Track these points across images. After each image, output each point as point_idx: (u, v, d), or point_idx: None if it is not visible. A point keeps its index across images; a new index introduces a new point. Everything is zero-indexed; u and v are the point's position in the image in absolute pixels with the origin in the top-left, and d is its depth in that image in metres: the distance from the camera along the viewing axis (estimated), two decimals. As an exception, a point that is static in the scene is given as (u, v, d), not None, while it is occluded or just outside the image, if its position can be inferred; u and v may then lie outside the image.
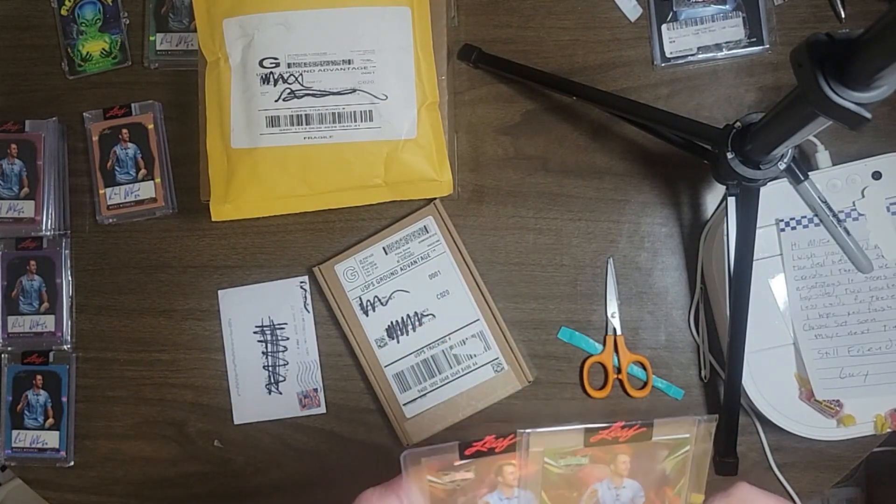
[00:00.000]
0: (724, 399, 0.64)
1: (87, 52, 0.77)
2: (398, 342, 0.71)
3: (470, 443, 0.40)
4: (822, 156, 0.67)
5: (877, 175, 0.65)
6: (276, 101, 0.67)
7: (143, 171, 0.75)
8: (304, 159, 0.67)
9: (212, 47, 0.68)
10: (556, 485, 0.43)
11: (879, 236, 0.64)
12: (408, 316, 0.71)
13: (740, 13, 0.71)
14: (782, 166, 0.54)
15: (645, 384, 0.71)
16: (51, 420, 0.75)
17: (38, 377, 0.75)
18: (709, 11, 0.71)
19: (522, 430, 0.41)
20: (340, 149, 0.67)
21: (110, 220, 0.76)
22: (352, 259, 0.72)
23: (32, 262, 0.76)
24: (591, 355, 0.71)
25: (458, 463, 0.40)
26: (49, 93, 0.78)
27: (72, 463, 0.75)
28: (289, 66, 0.67)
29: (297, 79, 0.67)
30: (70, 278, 0.76)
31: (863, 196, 0.65)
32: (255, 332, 0.74)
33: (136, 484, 0.75)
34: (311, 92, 0.67)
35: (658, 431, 0.43)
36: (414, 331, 0.71)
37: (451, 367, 0.70)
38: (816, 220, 0.63)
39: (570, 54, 0.73)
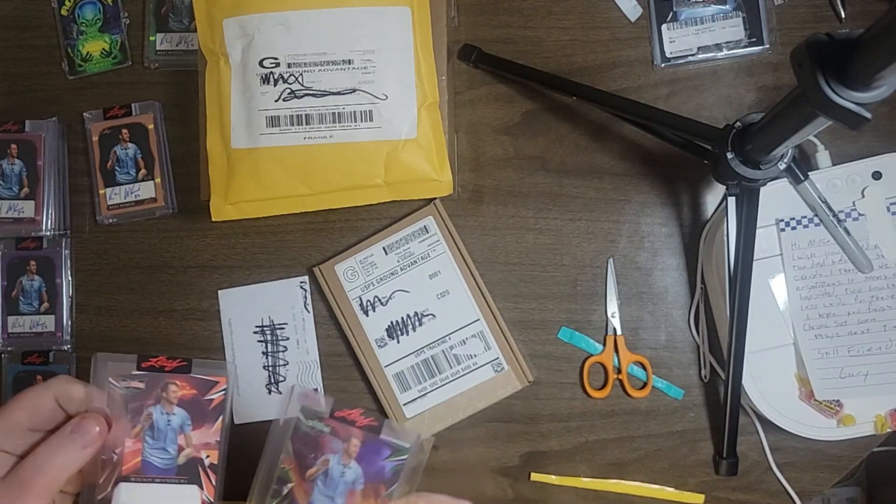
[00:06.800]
0: (724, 399, 0.64)
1: (87, 52, 0.77)
2: (398, 342, 0.71)
3: (146, 357, 0.48)
4: (822, 156, 0.67)
5: (877, 175, 0.65)
6: (276, 101, 0.67)
7: (143, 171, 0.75)
8: (304, 159, 0.67)
9: (212, 47, 0.68)
10: (300, 439, 0.50)
11: (879, 236, 0.64)
12: (408, 316, 0.71)
13: (740, 13, 0.71)
14: (782, 166, 0.54)
15: (645, 384, 0.71)
16: (51, 420, 0.75)
17: (39, 377, 0.75)
18: (709, 11, 0.71)
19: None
20: (340, 149, 0.67)
21: (110, 220, 0.76)
22: (352, 259, 0.72)
23: (32, 262, 0.76)
24: (591, 355, 0.71)
25: (134, 372, 0.48)
26: (49, 93, 0.78)
27: (72, 463, 0.75)
28: (289, 66, 0.67)
29: (297, 79, 0.67)
30: (70, 278, 0.76)
31: (863, 196, 0.65)
32: (255, 332, 0.74)
33: (136, 484, 0.75)
34: (311, 92, 0.67)
35: (386, 432, 0.50)
36: (414, 331, 0.71)
37: (451, 367, 0.70)
38: (816, 220, 0.63)
39: (570, 54, 0.73)
